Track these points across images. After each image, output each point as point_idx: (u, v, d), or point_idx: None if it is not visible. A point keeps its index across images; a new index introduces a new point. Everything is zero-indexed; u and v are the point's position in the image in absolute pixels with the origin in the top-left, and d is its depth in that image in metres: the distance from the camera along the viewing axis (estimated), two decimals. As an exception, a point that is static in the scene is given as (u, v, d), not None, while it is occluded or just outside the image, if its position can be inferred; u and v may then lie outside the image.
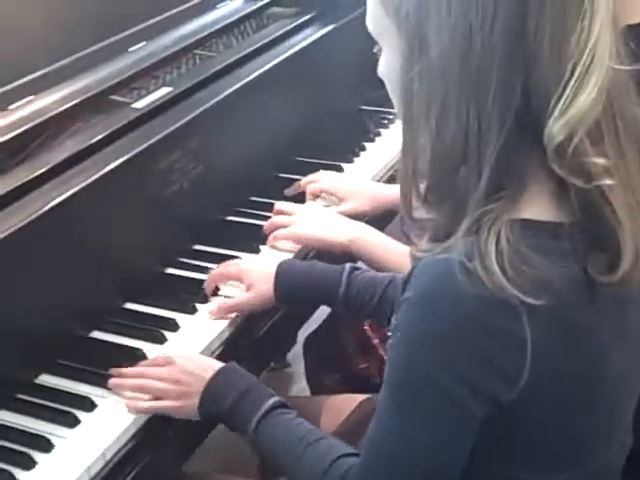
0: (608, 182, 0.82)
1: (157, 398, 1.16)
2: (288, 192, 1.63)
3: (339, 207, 1.56)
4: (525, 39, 0.81)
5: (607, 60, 0.81)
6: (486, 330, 0.83)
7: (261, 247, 1.48)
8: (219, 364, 1.16)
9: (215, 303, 1.32)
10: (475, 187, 0.84)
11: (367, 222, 1.54)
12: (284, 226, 1.47)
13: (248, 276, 1.33)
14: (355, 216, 1.53)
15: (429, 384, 0.85)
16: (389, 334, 0.94)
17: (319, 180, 1.61)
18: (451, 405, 0.85)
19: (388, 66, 0.93)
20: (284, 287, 1.30)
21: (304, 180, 1.62)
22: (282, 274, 1.31)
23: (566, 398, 0.88)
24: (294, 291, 1.31)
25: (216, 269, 1.38)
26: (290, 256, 1.45)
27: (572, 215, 0.86)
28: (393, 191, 1.58)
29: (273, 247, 1.47)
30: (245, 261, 1.39)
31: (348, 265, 1.30)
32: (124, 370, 1.19)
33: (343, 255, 1.41)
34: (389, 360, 0.90)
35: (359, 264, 1.35)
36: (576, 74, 0.81)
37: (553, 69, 0.81)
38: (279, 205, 1.53)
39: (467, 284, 0.82)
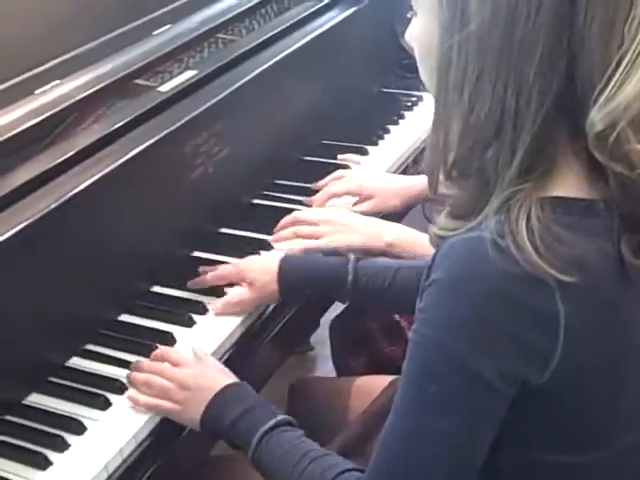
0: None
1: (162, 397, 1.14)
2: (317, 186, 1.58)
3: (364, 205, 1.53)
4: (573, 22, 0.79)
5: None
6: (519, 310, 0.81)
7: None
8: (232, 380, 1.14)
9: (219, 302, 1.30)
10: (507, 167, 0.83)
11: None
12: (310, 237, 1.42)
13: (248, 273, 1.31)
14: (380, 214, 1.51)
15: (459, 368, 0.83)
16: None
17: (342, 179, 1.57)
18: (481, 388, 0.83)
19: (423, 33, 0.91)
20: (288, 281, 1.28)
21: (326, 179, 1.58)
22: (285, 268, 1.28)
23: (596, 376, 0.87)
24: (299, 284, 1.29)
25: (215, 272, 1.35)
26: None
27: (606, 192, 0.85)
28: (417, 184, 1.56)
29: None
30: (243, 260, 1.36)
31: (352, 255, 1.28)
32: (140, 364, 1.19)
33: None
34: (412, 346, 0.87)
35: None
36: (624, 63, 0.79)
37: (600, 55, 0.79)
38: (299, 215, 1.46)
39: (499, 262, 0.80)
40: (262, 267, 1.31)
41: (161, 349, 1.21)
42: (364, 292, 1.26)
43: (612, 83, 0.79)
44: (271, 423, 1.05)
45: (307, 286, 1.30)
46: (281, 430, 1.05)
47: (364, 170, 1.67)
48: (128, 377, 1.17)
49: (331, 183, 1.58)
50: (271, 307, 1.34)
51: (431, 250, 1.32)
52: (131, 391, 1.15)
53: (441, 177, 0.89)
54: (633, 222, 0.84)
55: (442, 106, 0.88)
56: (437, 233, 0.90)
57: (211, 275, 1.34)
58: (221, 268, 1.35)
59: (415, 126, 1.84)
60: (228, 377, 1.15)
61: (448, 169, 0.88)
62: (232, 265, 1.35)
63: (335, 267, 1.28)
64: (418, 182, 1.57)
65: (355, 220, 1.43)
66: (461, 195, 0.89)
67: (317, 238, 1.40)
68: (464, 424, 0.85)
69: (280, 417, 1.06)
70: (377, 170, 1.68)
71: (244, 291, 1.31)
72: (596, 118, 0.79)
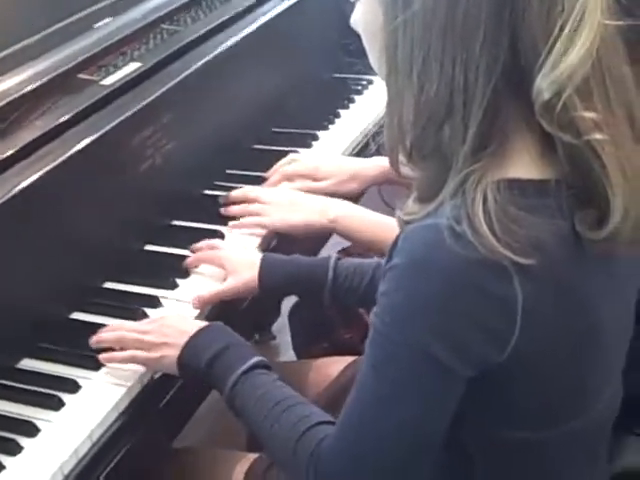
0: (598, 137, 0.81)
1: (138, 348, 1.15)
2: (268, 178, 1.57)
3: (321, 184, 1.53)
4: None
5: (599, 15, 0.80)
6: (477, 294, 0.82)
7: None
8: (205, 323, 1.15)
9: (196, 296, 1.29)
10: (461, 143, 0.83)
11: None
12: (256, 214, 1.44)
13: (230, 263, 1.31)
14: (335, 196, 1.51)
15: (418, 351, 0.84)
16: None
17: (295, 161, 1.57)
18: (440, 372, 0.84)
19: (367, 17, 0.92)
20: (270, 275, 1.28)
21: (279, 164, 1.57)
22: (267, 262, 1.29)
23: (555, 355, 0.88)
24: (280, 279, 1.29)
25: (196, 254, 1.36)
26: (258, 240, 1.42)
27: (558, 171, 0.85)
28: (373, 167, 1.56)
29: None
30: (225, 247, 1.37)
31: (333, 254, 1.29)
32: (104, 329, 1.19)
33: (324, 237, 1.39)
34: (373, 328, 0.88)
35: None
36: (566, 29, 0.79)
37: (542, 23, 0.80)
38: (249, 193, 1.47)
39: (457, 248, 0.81)
40: (244, 260, 1.30)
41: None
42: (343, 290, 1.26)
43: (555, 50, 0.80)
44: (247, 365, 1.05)
45: (287, 284, 1.30)
46: (257, 373, 1.05)
47: (319, 153, 1.67)
48: (94, 341, 1.17)
49: (284, 165, 1.57)
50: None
51: (375, 229, 1.35)
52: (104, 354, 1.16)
53: (402, 159, 0.90)
54: (585, 197, 0.84)
55: (393, 88, 0.88)
56: (404, 218, 0.91)
57: (192, 258, 1.35)
58: (202, 253, 1.35)
59: (366, 109, 1.84)
60: (198, 321, 1.17)
61: (408, 151, 0.88)
62: (214, 251, 1.35)
63: (315, 266, 1.28)
64: (373, 164, 1.57)
65: (299, 199, 1.45)
66: (423, 177, 0.89)
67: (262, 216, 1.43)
68: (422, 406, 0.86)
69: (256, 359, 1.06)
70: (331, 153, 1.67)
71: (229, 281, 1.30)
72: (542, 86, 0.80)
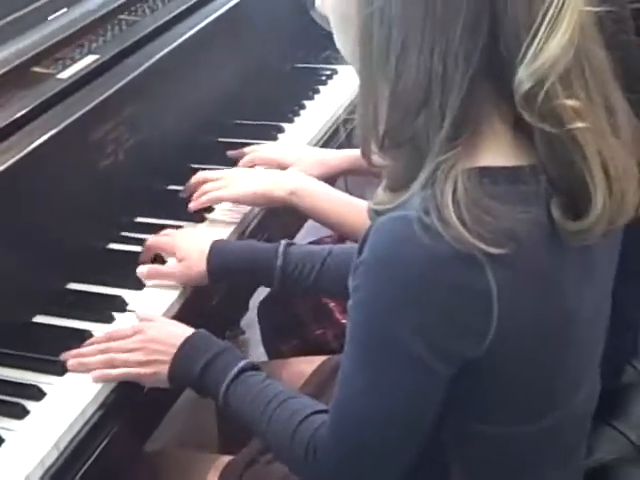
0: (580, 125, 0.80)
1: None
2: (231, 154, 1.57)
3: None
4: None
5: (579, 1, 0.79)
6: (449, 289, 0.80)
7: (207, 216, 1.43)
8: (189, 330, 1.13)
9: (147, 266, 1.28)
10: (437, 132, 0.81)
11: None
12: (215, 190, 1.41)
13: (180, 249, 1.28)
14: None
15: (393, 346, 0.83)
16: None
17: (259, 151, 1.55)
18: (416, 366, 0.84)
19: (339, 2, 0.89)
20: (217, 262, 1.25)
21: (249, 148, 1.56)
22: (215, 249, 1.26)
23: (533, 347, 0.86)
24: (228, 267, 1.26)
25: (149, 240, 1.33)
26: (230, 229, 1.39)
27: (534, 157, 0.83)
28: (339, 155, 1.54)
29: (212, 220, 1.42)
30: (179, 233, 1.34)
31: (283, 241, 1.26)
32: (86, 350, 1.14)
33: (285, 211, 1.36)
34: (351, 319, 0.87)
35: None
36: (548, 17, 0.78)
37: (525, 11, 0.78)
38: (202, 174, 1.44)
39: (426, 241, 0.79)
40: (194, 245, 1.28)
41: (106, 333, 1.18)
42: (293, 279, 1.23)
43: (538, 38, 0.78)
44: (236, 370, 1.05)
45: (236, 268, 1.27)
46: (247, 375, 1.05)
47: (282, 143, 1.64)
48: (73, 366, 1.13)
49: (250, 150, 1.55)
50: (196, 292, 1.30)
51: (339, 208, 1.32)
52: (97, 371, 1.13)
53: (374, 147, 0.88)
54: (561, 184, 0.83)
55: (368, 76, 0.86)
56: (373, 208, 0.89)
57: (145, 244, 1.32)
58: (153, 239, 1.32)
59: (331, 100, 1.81)
60: (182, 330, 1.14)
61: (380, 139, 0.86)
62: (166, 237, 1.32)
63: (265, 251, 1.25)
64: (340, 153, 1.55)
65: (258, 172, 1.44)
66: (395, 166, 0.88)
67: None
68: (407, 396, 0.86)
69: (243, 362, 1.06)
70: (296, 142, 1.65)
71: (175, 265, 1.28)
72: (524, 76, 0.79)
